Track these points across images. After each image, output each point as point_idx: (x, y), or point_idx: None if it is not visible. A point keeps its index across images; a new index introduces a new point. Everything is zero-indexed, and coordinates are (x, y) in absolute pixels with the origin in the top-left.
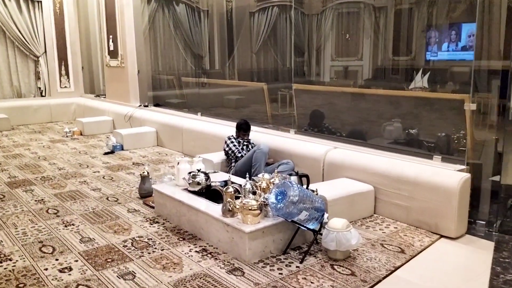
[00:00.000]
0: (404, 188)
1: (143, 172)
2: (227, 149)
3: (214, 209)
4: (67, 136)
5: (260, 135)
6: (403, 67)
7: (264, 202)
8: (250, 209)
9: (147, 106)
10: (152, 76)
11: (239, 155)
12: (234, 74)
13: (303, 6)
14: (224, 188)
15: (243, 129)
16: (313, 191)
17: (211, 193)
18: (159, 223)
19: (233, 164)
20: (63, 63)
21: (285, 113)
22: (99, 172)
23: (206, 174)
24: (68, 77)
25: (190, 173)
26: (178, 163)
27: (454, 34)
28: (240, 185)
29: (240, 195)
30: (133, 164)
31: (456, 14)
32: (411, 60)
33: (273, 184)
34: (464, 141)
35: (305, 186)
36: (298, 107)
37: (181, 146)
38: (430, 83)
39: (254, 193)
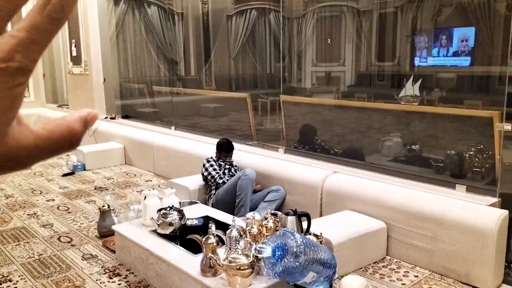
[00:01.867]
0: (426, 226)
1: (102, 206)
2: (206, 174)
3: (190, 263)
4: None
5: (242, 155)
6: (388, 73)
7: (256, 256)
8: (239, 269)
9: (114, 118)
10: (121, 84)
11: (220, 181)
12: (211, 80)
13: (284, 9)
14: (203, 238)
15: (224, 150)
16: (317, 236)
17: (186, 235)
18: (120, 275)
19: (213, 192)
20: None
21: (271, 127)
22: (53, 200)
23: (179, 212)
24: (27, 86)
25: (160, 210)
26: (145, 198)
27: (444, 39)
28: (224, 232)
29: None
30: (95, 189)
31: (444, 17)
32: (396, 66)
33: (266, 227)
34: (487, 165)
35: (305, 227)
36: (285, 118)
37: (152, 165)
38: (422, 91)
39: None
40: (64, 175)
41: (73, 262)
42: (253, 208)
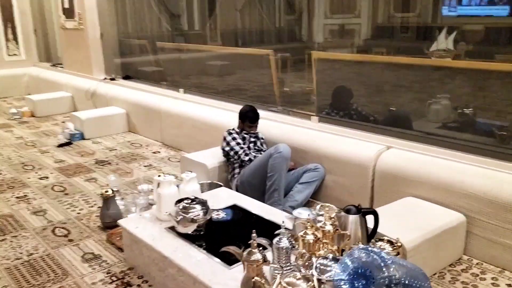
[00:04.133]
0: None
1: (105, 192)
2: (227, 149)
3: (225, 279)
4: (14, 119)
5: (266, 124)
6: (413, 25)
7: (319, 278)
8: None
9: (114, 79)
10: (120, 41)
11: (246, 158)
12: (216, 36)
13: None
14: (244, 253)
15: (249, 119)
16: (392, 243)
17: (211, 232)
18: (131, 286)
19: (236, 171)
20: (9, 25)
21: (296, 89)
22: (47, 178)
23: (203, 204)
24: (17, 42)
25: (178, 202)
26: (158, 186)
27: None
28: (271, 242)
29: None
30: (96, 163)
31: None
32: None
33: (323, 231)
34: None
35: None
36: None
37: (159, 134)
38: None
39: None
40: (60, 145)
41: (71, 265)
42: (285, 191)
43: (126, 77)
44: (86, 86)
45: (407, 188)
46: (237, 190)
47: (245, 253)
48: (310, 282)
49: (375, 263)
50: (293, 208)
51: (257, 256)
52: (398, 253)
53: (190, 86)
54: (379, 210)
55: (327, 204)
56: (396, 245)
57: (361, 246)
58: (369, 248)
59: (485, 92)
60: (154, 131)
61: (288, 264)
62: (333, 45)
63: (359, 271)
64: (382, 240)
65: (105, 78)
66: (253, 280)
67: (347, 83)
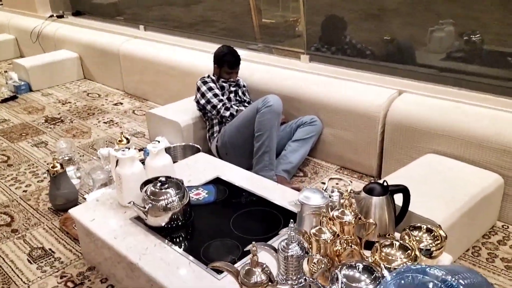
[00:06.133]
0: None
1: (53, 167)
2: (203, 102)
3: None
4: None
5: (245, 67)
6: None
7: None
8: None
9: (62, 16)
10: None
11: (227, 113)
12: None
13: None
14: (242, 272)
15: (227, 64)
16: (431, 231)
17: (192, 222)
18: None
19: (216, 129)
20: None
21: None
22: None
23: (178, 186)
24: None
25: (144, 185)
26: (117, 162)
27: None
28: (274, 249)
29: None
30: (46, 121)
31: None
32: None
33: (342, 224)
34: None
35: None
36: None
37: (120, 81)
38: None
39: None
40: (3, 100)
41: (15, 267)
42: (276, 151)
43: (77, 13)
44: (31, 25)
45: (427, 142)
46: (217, 152)
47: (242, 271)
48: None
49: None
50: (288, 172)
51: (260, 277)
52: (441, 246)
53: (151, 20)
54: (396, 175)
55: (337, 177)
56: (437, 233)
57: (412, 266)
58: (427, 270)
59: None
60: (114, 77)
61: (300, 278)
62: None
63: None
64: (418, 228)
65: (52, 16)
66: None
67: (338, 10)
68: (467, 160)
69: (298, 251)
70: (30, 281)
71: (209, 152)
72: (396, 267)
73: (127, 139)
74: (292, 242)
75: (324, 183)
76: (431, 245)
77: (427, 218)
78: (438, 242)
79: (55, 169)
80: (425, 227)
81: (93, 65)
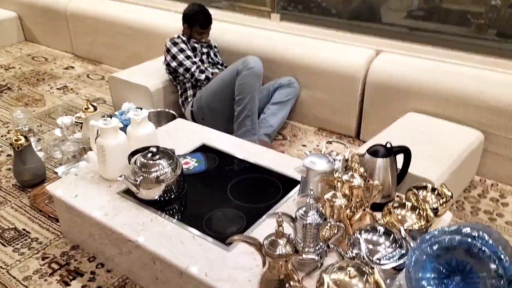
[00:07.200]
0: None
1: (16, 140)
2: (174, 64)
3: (219, 268)
4: None
5: (215, 27)
6: None
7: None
8: None
9: None
10: None
11: (202, 77)
12: None
13: None
14: (265, 243)
15: (199, 23)
16: (435, 191)
17: (188, 194)
18: (82, 275)
19: (190, 93)
20: None
21: None
22: None
23: (170, 157)
24: None
25: (132, 155)
26: (97, 134)
27: None
28: (294, 218)
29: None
30: None
31: None
32: None
33: (351, 187)
34: None
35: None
36: None
37: (69, 43)
38: None
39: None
40: None
41: None
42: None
43: None
44: None
45: (407, 101)
46: (192, 118)
47: (266, 243)
48: (369, 276)
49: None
50: (269, 136)
51: (286, 248)
52: (445, 203)
53: None
54: (384, 135)
55: (334, 140)
56: (442, 192)
57: (445, 228)
58: (463, 229)
59: None
60: (61, 39)
61: (318, 245)
62: None
63: (452, 264)
64: (423, 188)
65: None
66: (278, 279)
67: None
68: (447, 117)
69: (317, 218)
70: (8, 266)
71: (182, 117)
72: (410, 228)
73: (94, 106)
74: (310, 210)
75: (305, 146)
76: (436, 204)
77: (424, 177)
78: (444, 200)
79: (19, 142)
80: (430, 186)
81: (36, 26)
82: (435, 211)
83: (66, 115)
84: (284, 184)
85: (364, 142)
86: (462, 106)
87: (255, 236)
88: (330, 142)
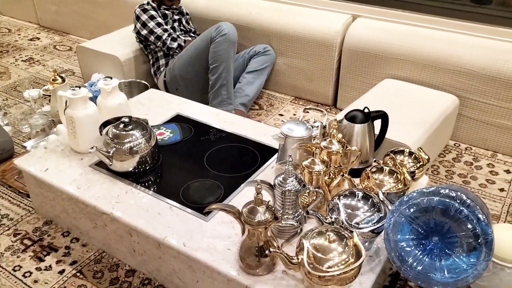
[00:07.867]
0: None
1: None
2: (144, 32)
3: (198, 238)
4: None
5: None
6: None
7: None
8: (342, 272)
9: None
10: None
11: (174, 45)
12: None
13: None
14: (244, 211)
15: None
16: (413, 155)
17: (163, 165)
18: (56, 250)
19: (162, 62)
20: None
21: None
22: None
23: (143, 127)
24: None
25: (104, 126)
26: (66, 105)
27: None
28: (272, 185)
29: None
30: None
31: None
32: None
33: (330, 153)
34: None
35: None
36: None
37: (33, 13)
38: None
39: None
40: None
41: None
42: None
43: None
44: None
45: (383, 68)
46: (165, 88)
47: (245, 211)
48: (347, 241)
49: (455, 214)
50: (245, 105)
51: (265, 215)
52: (423, 168)
53: None
54: (358, 102)
55: (311, 107)
56: (419, 156)
57: (424, 189)
58: (441, 191)
59: None
60: (25, 9)
61: (297, 212)
62: None
63: (430, 224)
64: (400, 152)
65: None
66: (258, 246)
67: None
68: (424, 83)
69: (295, 185)
70: None
71: (154, 87)
72: (389, 191)
73: (62, 77)
74: (289, 177)
75: (282, 115)
76: (414, 167)
77: (400, 142)
78: (421, 164)
79: None
80: (407, 150)
81: None
82: (412, 174)
83: (33, 88)
84: (262, 152)
85: (341, 110)
86: (438, 71)
87: (233, 205)
88: (307, 110)
